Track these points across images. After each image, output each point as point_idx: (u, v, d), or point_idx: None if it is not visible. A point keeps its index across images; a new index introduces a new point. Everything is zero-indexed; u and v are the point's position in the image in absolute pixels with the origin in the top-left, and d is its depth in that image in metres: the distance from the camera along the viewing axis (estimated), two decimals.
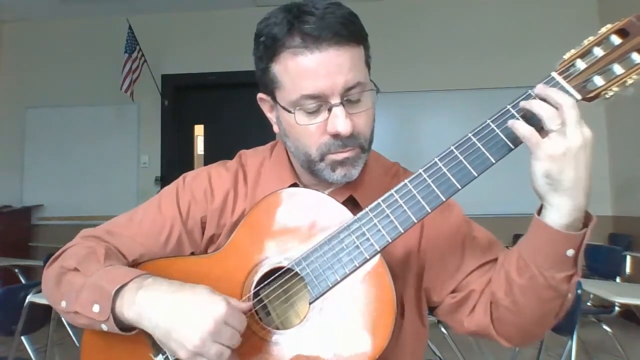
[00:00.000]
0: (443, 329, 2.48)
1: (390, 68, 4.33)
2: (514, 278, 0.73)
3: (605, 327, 2.60)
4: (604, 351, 3.11)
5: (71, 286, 0.79)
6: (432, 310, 0.90)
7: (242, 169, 0.93)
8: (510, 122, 0.68)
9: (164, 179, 4.74)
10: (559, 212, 0.67)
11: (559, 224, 0.67)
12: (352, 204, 0.83)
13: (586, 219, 0.69)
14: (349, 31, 0.74)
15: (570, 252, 0.68)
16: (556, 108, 0.66)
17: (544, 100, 0.67)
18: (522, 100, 0.69)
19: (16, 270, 3.59)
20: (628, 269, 3.48)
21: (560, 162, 0.64)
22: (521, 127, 0.67)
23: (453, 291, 0.84)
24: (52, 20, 5.01)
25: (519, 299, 0.73)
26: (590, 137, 0.65)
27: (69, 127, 4.89)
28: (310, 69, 0.73)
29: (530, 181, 0.68)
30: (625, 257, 3.43)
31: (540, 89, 0.68)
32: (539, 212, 0.70)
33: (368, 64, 0.81)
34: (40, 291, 2.16)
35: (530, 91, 0.70)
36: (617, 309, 2.65)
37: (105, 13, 4.85)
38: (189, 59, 4.85)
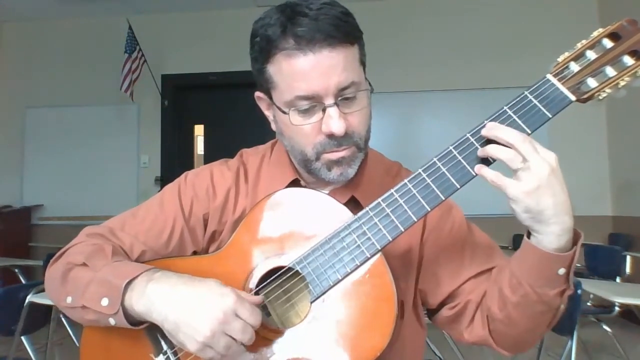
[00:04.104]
0: None
1: (390, 68, 4.34)
2: (507, 295, 0.74)
3: (605, 327, 2.61)
4: (604, 351, 3.11)
5: (78, 281, 0.79)
6: (429, 316, 0.91)
7: (243, 167, 0.93)
8: (477, 168, 0.69)
9: (164, 179, 4.73)
10: (548, 238, 0.67)
11: (549, 247, 0.67)
12: (354, 204, 0.83)
13: (575, 235, 0.69)
14: (342, 32, 0.74)
15: (562, 271, 0.69)
16: (510, 147, 0.66)
17: (496, 141, 0.67)
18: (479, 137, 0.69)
19: (16, 270, 3.58)
20: (628, 269, 3.48)
21: (535, 195, 0.64)
22: (487, 174, 0.67)
23: (449, 296, 0.85)
24: (52, 20, 5.01)
25: (512, 314, 0.74)
26: (555, 160, 0.66)
27: (69, 127, 4.89)
28: (303, 71, 0.74)
29: (515, 215, 0.68)
30: (625, 257, 3.42)
31: (488, 129, 0.68)
32: (529, 235, 0.71)
33: (363, 62, 0.80)
34: (40, 291, 2.16)
35: (485, 121, 0.70)
36: (617, 309, 2.65)
37: (105, 13, 4.85)
38: (189, 59, 4.85)
